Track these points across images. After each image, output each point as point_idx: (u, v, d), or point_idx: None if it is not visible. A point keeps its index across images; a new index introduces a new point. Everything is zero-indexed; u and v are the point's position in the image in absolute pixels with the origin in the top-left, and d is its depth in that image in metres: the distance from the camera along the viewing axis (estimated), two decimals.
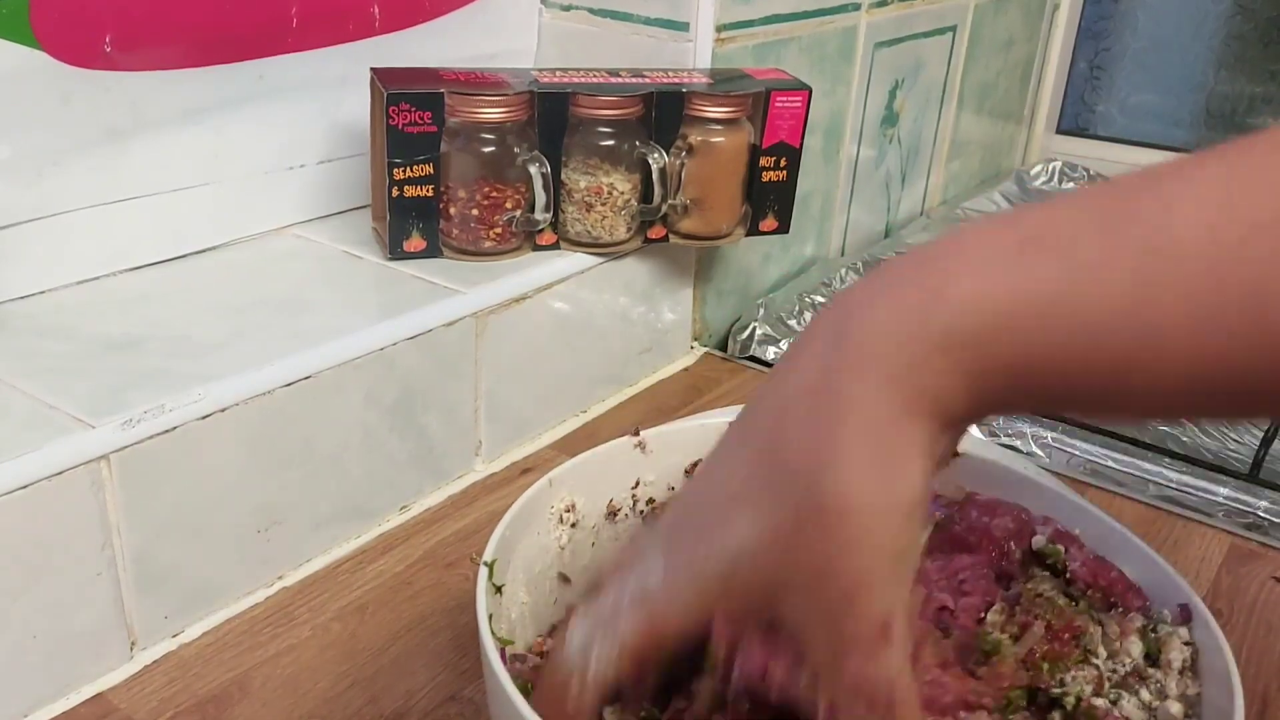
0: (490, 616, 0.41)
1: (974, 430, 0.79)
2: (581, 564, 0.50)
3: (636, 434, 0.52)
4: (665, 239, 0.78)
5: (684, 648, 0.37)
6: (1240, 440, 0.80)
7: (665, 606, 0.36)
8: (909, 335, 0.32)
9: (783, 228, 0.80)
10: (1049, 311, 0.31)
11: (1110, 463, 0.74)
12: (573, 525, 0.49)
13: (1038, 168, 1.34)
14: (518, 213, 0.72)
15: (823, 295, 0.96)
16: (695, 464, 0.54)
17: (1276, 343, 0.29)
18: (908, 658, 0.34)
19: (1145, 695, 0.42)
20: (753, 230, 0.80)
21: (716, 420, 0.54)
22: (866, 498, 0.32)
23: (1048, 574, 0.48)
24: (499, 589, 0.43)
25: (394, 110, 0.67)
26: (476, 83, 0.70)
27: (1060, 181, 1.33)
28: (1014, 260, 0.31)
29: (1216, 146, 0.33)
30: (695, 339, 0.90)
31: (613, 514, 0.51)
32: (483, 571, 0.41)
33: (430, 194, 0.70)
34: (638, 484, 0.52)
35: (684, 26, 0.80)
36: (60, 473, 0.49)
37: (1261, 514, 0.70)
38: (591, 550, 0.51)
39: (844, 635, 0.33)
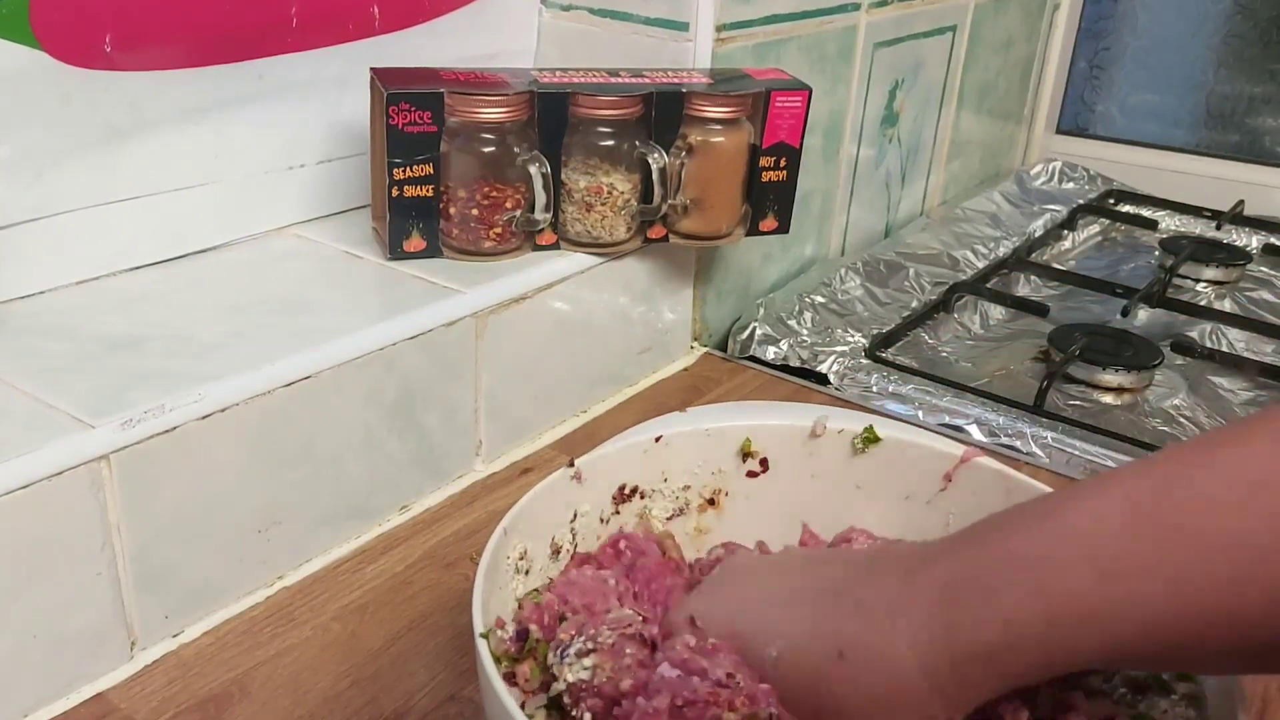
0: (487, 634, 0.41)
1: (975, 433, 0.79)
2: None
3: (572, 465, 0.51)
4: (665, 239, 0.78)
5: None
6: None
7: None
8: (967, 647, 0.35)
9: (783, 228, 0.80)
10: (1090, 618, 0.34)
11: (1110, 463, 0.74)
12: (525, 573, 0.49)
13: (1038, 167, 1.34)
14: (518, 213, 0.72)
15: (822, 295, 0.96)
16: (623, 487, 0.54)
17: None
18: None
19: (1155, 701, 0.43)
20: (753, 230, 0.80)
21: (642, 438, 0.54)
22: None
23: None
24: (498, 660, 0.43)
25: (394, 110, 0.67)
26: (476, 83, 0.70)
27: (1060, 181, 1.34)
28: (1059, 576, 0.34)
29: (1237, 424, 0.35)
30: (695, 339, 0.90)
31: (555, 552, 0.51)
32: (482, 644, 0.40)
33: (430, 194, 0.70)
34: (575, 516, 0.52)
35: (684, 26, 0.80)
36: (60, 473, 0.49)
37: None
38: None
39: None
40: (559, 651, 0.42)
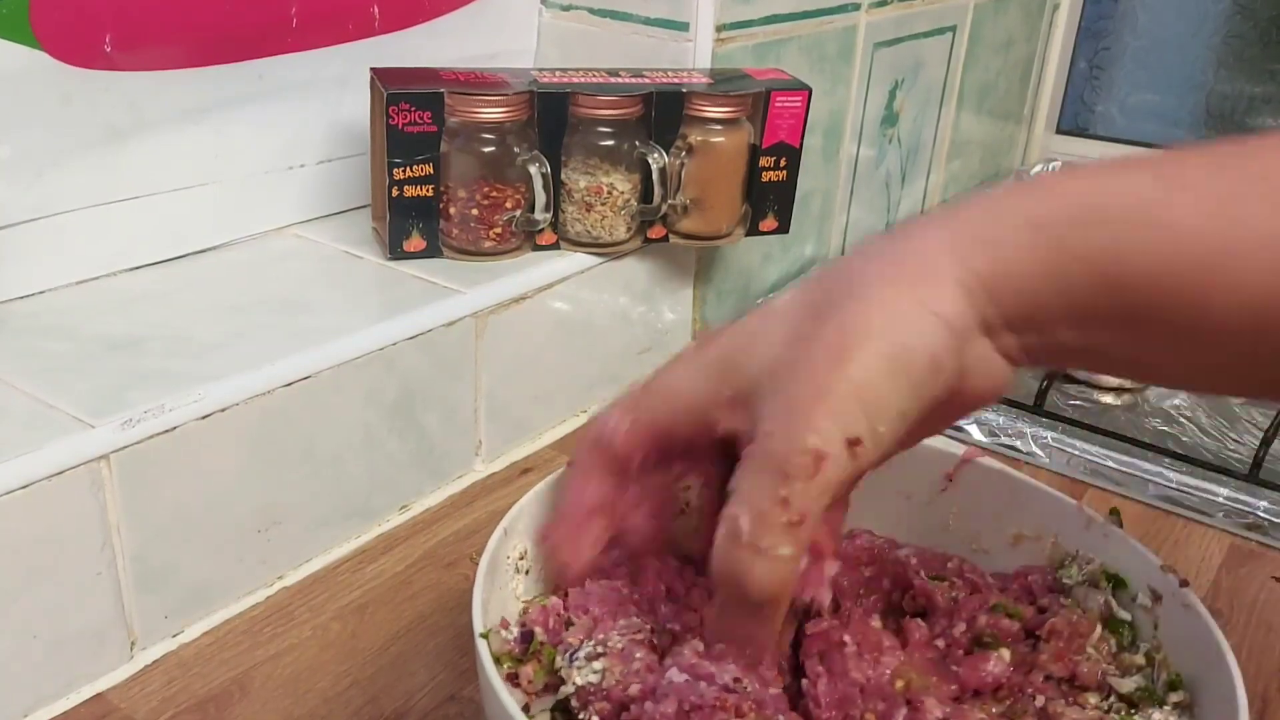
0: (487, 634, 0.41)
1: (975, 433, 0.79)
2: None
3: (572, 465, 0.51)
4: (665, 239, 0.78)
5: (688, 442, 0.39)
6: (1240, 440, 0.80)
7: (676, 381, 0.38)
8: (1004, 211, 0.32)
9: (783, 228, 0.80)
10: (1141, 212, 0.31)
11: (1110, 463, 0.74)
12: (525, 574, 0.49)
13: (1038, 167, 1.34)
14: (518, 213, 0.72)
15: None
16: None
17: None
18: (822, 516, 0.34)
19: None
20: (753, 230, 0.80)
21: None
22: (878, 325, 0.32)
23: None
24: (498, 660, 0.43)
25: (394, 110, 0.67)
26: (476, 83, 0.70)
27: None
28: (1114, 172, 0.33)
29: None
30: (695, 339, 0.90)
31: None
32: (482, 644, 0.40)
33: (430, 194, 0.70)
34: None
35: (684, 26, 0.80)
36: (60, 473, 0.49)
37: (1261, 514, 0.70)
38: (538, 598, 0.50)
39: (785, 437, 0.33)
40: (568, 655, 0.42)
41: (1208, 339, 0.33)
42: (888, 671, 0.43)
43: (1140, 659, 0.45)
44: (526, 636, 0.44)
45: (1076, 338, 0.34)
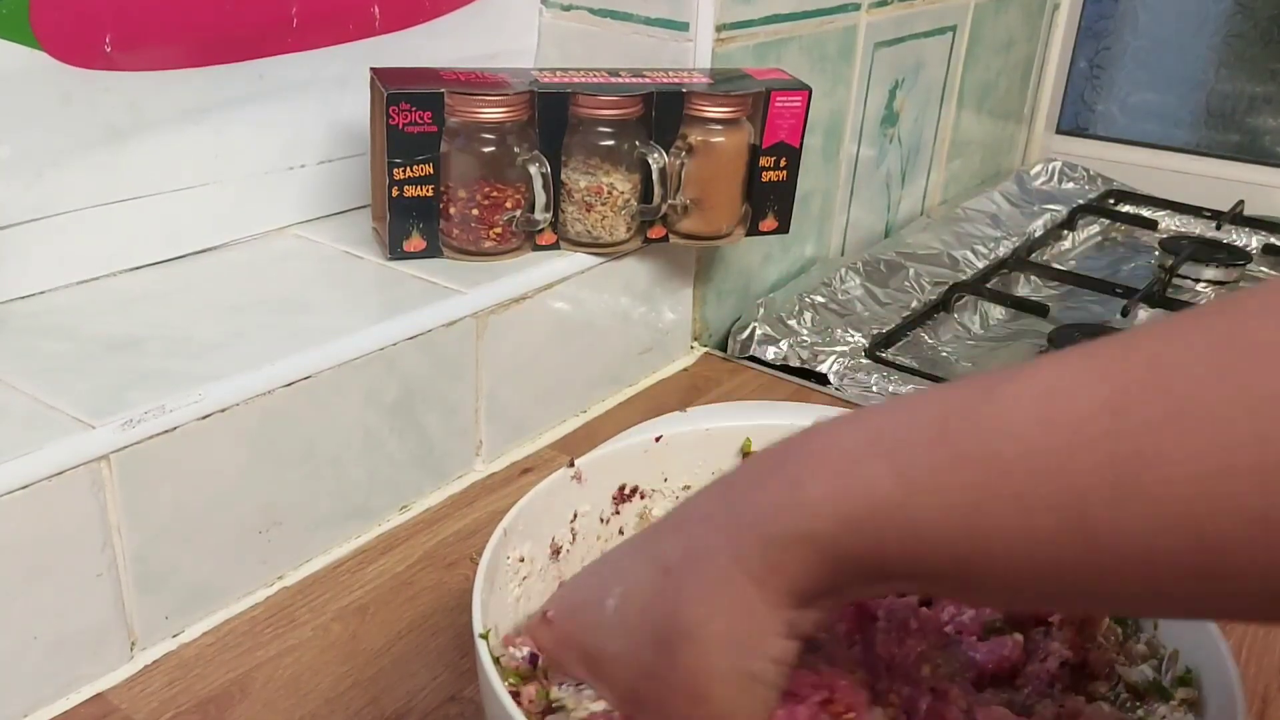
0: (487, 634, 0.41)
1: None
2: (528, 613, 0.49)
3: (572, 465, 0.51)
4: (665, 239, 0.78)
5: None
6: None
7: (550, 655, 0.44)
8: (773, 531, 0.35)
9: (783, 228, 0.80)
10: (886, 517, 0.33)
11: None
12: (524, 578, 0.49)
13: (1038, 167, 1.34)
14: (518, 213, 0.72)
15: (822, 295, 0.96)
16: (623, 487, 0.54)
17: (1095, 549, 0.30)
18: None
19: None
20: (753, 230, 0.80)
21: (642, 438, 0.54)
22: (720, 669, 0.37)
23: None
24: (497, 660, 0.43)
25: (394, 110, 0.67)
26: (476, 83, 0.70)
27: (1060, 181, 1.33)
28: (857, 467, 0.34)
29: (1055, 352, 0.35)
30: (695, 339, 0.90)
31: (555, 552, 0.51)
32: (482, 644, 0.40)
33: (430, 194, 0.70)
34: (575, 516, 0.52)
35: (684, 26, 0.80)
36: (60, 473, 0.49)
37: None
38: (537, 599, 0.50)
39: None
40: (575, 689, 0.42)
41: (989, 598, 0.39)
42: (912, 655, 0.43)
43: (1142, 647, 0.45)
44: (533, 659, 0.44)
45: (877, 591, 0.40)
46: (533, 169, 0.71)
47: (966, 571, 0.33)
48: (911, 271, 1.04)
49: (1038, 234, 1.18)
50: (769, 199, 0.79)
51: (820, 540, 0.34)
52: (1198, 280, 1.10)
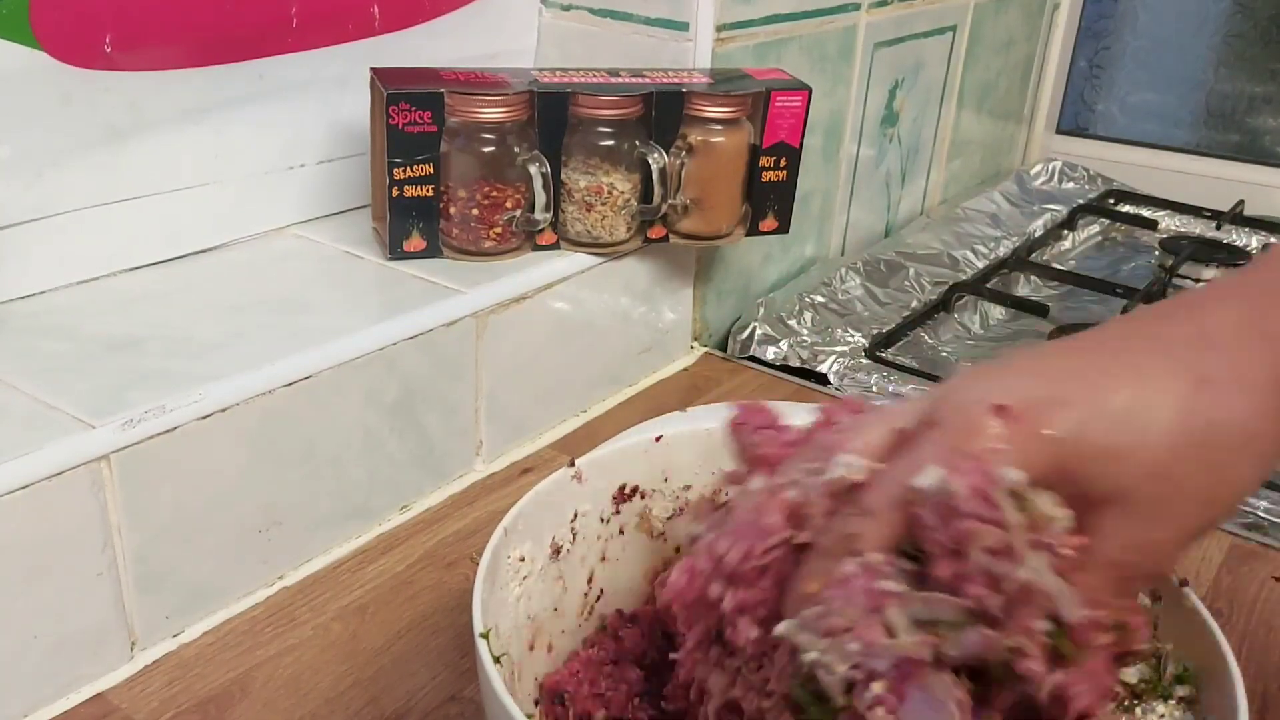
0: (487, 633, 0.41)
1: None
2: (528, 613, 0.49)
3: (572, 465, 0.51)
4: (665, 239, 0.78)
5: None
6: None
7: (1020, 453, 0.38)
8: None
9: (783, 228, 0.80)
10: None
11: None
12: (524, 577, 0.49)
13: (1038, 167, 1.34)
14: (518, 213, 0.72)
15: (822, 295, 0.96)
16: (623, 487, 0.54)
17: None
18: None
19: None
20: (753, 230, 0.80)
21: (642, 438, 0.54)
22: (1250, 473, 0.37)
23: None
24: (498, 659, 0.43)
25: (394, 110, 0.67)
26: (476, 82, 0.70)
27: (1060, 181, 1.33)
28: None
29: None
30: (695, 339, 0.90)
31: (555, 552, 0.51)
32: (482, 644, 0.40)
33: (430, 194, 0.70)
34: (575, 516, 0.52)
35: (684, 26, 0.80)
36: (60, 473, 0.49)
37: (1261, 514, 0.70)
38: (538, 599, 0.50)
39: (1154, 567, 0.38)
40: None
41: None
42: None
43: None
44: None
45: None
46: (533, 169, 0.71)
47: None
48: (911, 271, 1.04)
49: (1038, 234, 1.18)
50: (769, 199, 0.79)
51: None
52: (1198, 280, 1.10)
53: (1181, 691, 0.43)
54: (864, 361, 0.86)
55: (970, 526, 0.34)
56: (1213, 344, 0.37)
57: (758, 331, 0.89)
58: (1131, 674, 0.44)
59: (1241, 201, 1.25)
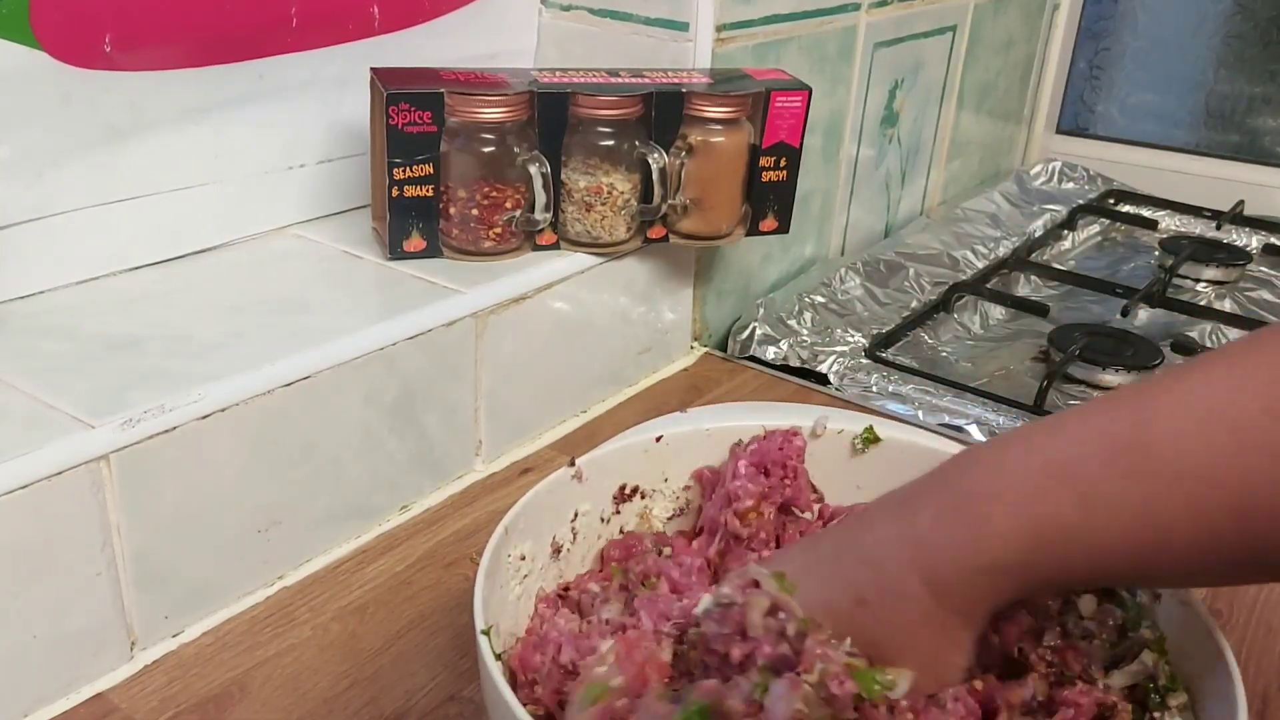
0: (488, 630, 0.41)
1: (975, 433, 0.79)
2: (529, 612, 0.50)
3: (572, 464, 0.51)
4: (665, 239, 0.78)
5: None
6: None
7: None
8: (972, 565, 0.39)
9: (783, 228, 0.80)
10: (1072, 539, 0.37)
11: None
12: (525, 576, 0.49)
13: (1037, 167, 1.34)
14: (518, 213, 0.72)
15: (822, 295, 0.96)
16: (623, 487, 0.54)
17: (1266, 535, 0.35)
18: None
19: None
20: (753, 230, 0.80)
21: (642, 438, 0.54)
22: (913, 664, 0.40)
23: None
24: (499, 657, 0.43)
25: (394, 110, 0.67)
26: (476, 83, 0.70)
27: (1060, 181, 1.33)
28: (1040, 497, 0.38)
29: (1194, 359, 0.40)
30: (695, 339, 0.90)
31: (556, 552, 0.51)
32: (483, 642, 0.40)
33: (430, 194, 0.70)
34: (575, 516, 0.52)
35: (684, 26, 0.80)
36: (60, 473, 0.49)
37: None
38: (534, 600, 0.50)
39: None
40: None
41: (1163, 585, 0.45)
42: None
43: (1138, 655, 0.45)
44: None
45: (1056, 594, 0.45)
46: (533, 169, 0.71)
47: (1143, 571, 0.39)
48: (911, 271, 1.04)
49: (1038, 234, 1.18)
50: (769, 199, 0.79)
51: (1014, 569, 0.38)
52: (1198, 280, 1.10)
53: (1176, 700, 0.43)
54: (864, 361, 0.86)
55: (746, 600, 0.40)
56: (869, 561, 0.41)
57: (758, 331, 0.89)
58: (1119, 677, 0.44)
59: (1241, 201, 1.25)
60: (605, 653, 0.42)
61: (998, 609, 0.40)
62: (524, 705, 0.38)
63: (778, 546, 0.53)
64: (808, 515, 0.55)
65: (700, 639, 0.41)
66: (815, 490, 0.55)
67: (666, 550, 0.53)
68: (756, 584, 0.41)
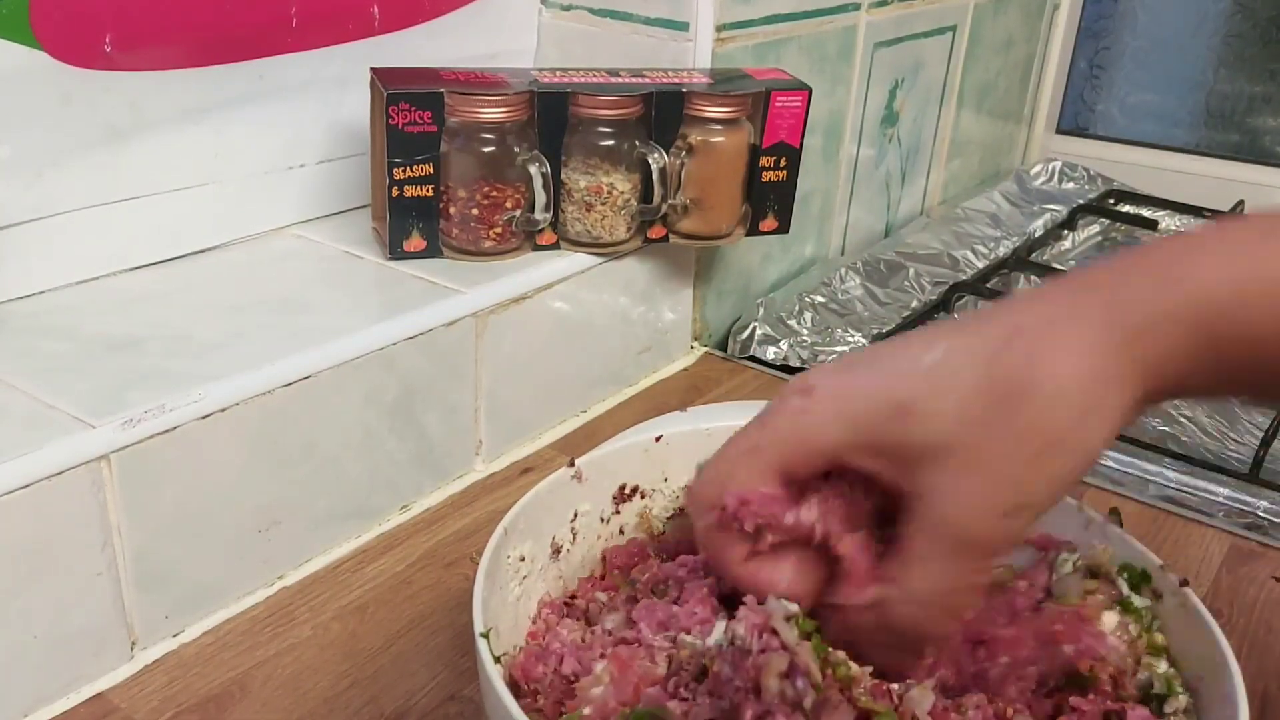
0: (488, 633, 0.41)
1: None
2: (528, 613, 0.50)
3: (572, 464, 0.51)
4: (665, 239, 0.78)
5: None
6: (1240, 440, 0.80)
7: (810, 431, 0.40)
8: (1159, 304, 0.36)
9: (783, 228, 0.80)
10: (1274, 294, 0.35)
11: (1110, 463, 0.74)
12: (524, 577, 0.49)
13: (1038, 167, 1.34)
14: (518, 213, 0.72)
15: (822, 295, 0.96)
16: (623, 487, 0.54)
17: None
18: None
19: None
20: (753, 230, 0.80)
21: (642, 438, 0.54)
22: (1071, 440, 0.36)
23: None
24: (498, 659, 0.43)
25: (394, 110, 0.67)
26: (476, 82, 0.70)
27: (1060, 181, 1.33)
28: (1247, 249, 0.36)
29: None
30: (695, 339, 0.90)
31: (556, 552, 0.51)
32: (482, 643, 0.40)
33: (430, 194, 0.70)
34: (575, 516, 0.52)
35: (684, 26, 0.80)
36: (60, 473, 0.49)
37: (1261, 514, 0.70)
38: (538, 599, 0.50)
39: (979, 522, 0.37)
40: None
41: None
42: None
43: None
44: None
45: (1217, 394, 0.41)
46: (533, 169, 0.71)
47: None
48: (911, 271, 1.04)
49: (1038, 234, 1.18)
50: (769, 199, 0.79)
51: (1203, 317, 0.35)
52: None
53: (1174, 705, 0.43)
54: None
55: (760, 660, 0.37)
56: (1041, 297, 0.38)
57: (758, 331, 0.89)
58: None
59: (1241, 201, 1.25)
60: (600, 673, 0.41)
61: (1160, 377, 0.36)
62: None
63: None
64: None
65: (711, 675, 0.39)
66: None
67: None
68: (774, 631, 0.38)
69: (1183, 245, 0.37)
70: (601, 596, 0.51)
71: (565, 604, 0.51)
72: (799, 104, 0.76)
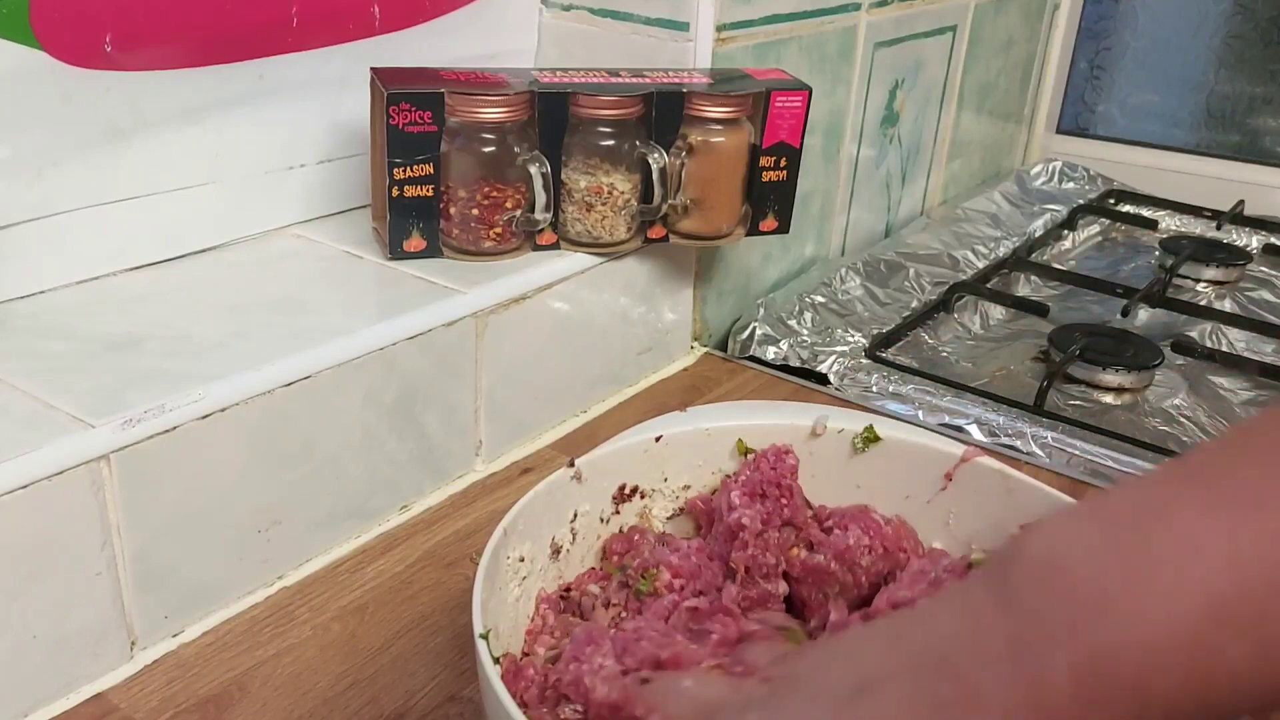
0: (487, 634, 0.41)
1: (975, 433, 0.79)
2: (528, 613, 0.50)
3: (572, 465, 0.51)
4: (665, 239, 0.78)
5: None
6: None
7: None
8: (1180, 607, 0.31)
9: (783, 228, 0.80)
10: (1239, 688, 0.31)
11: (1110, 463, 0.74)
12: (524, 578, 0.49)
13: (1038, 167, 1.34)
14: (518, 213, 0.72)
15: (822, 295, 0.96)
16: (623, 487, 0.54)
17: None
18: None
19: None
20: (753, 230, 0.80)
21: (642, 438, 0.54)
22: None
23: None
24: (497, 660, 0.42)
25: (394, 110, 0.67)
26: (476, 82, 0.70)
27: (1060, 181, 1.33)
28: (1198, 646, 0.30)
29: None
30: (695, 339, 0.90)
31: (555, 552, 0.51)
32: (482, 644, 0.40)
33: (430, 194, 0.70)
34: (575, 516, 0.52)
35: (684, 26, 0.80)
36: (60, 473, 0.49)
37: None
38: (533, 600, 0.50)
39: None
40: None
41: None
42: None
43: None
44: None
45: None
46: (533, 169, 0.71)
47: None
48: (911, 271, 1.04)
49: (1038, 234, 1.18)
50: (769, 199, 0.79)
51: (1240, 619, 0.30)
52: (1198, 280, 1.10)
53: None
54: (864, 361, 0.86)
55: None
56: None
57: (758, 331, 0.89)
58: None
59: (1241, 201, 1.25)
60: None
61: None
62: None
63: (784, 568, 0.52)
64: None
65: None
66: (810, 505, 0.55)
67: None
68: None
69: (1122, 637, 0.31)
70: (594, 589, 0.51)
71: (561, 597, 0.51)
72: (799, 104, 0.76)
